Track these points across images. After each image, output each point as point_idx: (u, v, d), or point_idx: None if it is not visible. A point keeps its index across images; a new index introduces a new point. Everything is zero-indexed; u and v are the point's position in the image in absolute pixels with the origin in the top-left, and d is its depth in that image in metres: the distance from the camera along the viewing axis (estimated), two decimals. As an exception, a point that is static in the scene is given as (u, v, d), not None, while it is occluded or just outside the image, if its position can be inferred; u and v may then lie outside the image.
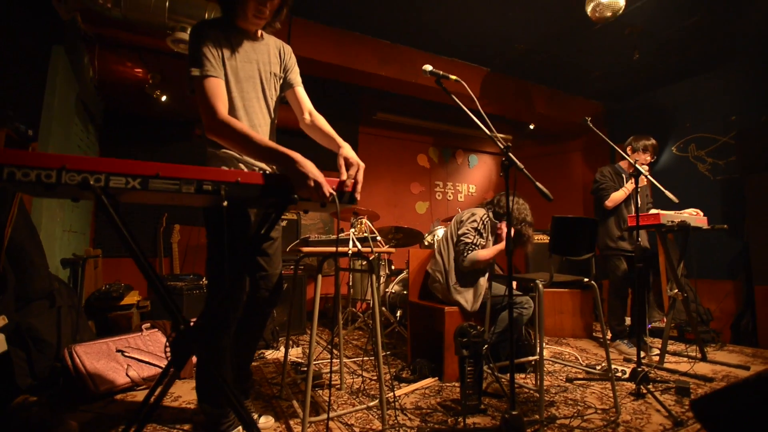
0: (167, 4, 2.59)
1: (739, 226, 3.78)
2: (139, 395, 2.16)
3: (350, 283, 4.05)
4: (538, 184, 1.61)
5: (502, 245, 2.39)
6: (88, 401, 2.04)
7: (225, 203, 1.11)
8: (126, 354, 2.28)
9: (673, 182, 4.49)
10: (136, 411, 1.93)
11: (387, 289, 3.74)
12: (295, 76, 1.67)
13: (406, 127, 5.43)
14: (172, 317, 1.08)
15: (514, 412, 1.61)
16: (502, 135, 5.97)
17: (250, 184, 1.20)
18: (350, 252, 1.74)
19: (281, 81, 1.64)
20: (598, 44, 3.80)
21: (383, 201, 5.36)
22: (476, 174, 6.12)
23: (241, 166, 1.49)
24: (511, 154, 1.68)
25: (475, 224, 2.48)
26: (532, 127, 5.47)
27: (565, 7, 3.26)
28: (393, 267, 4.15)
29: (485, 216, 2.53)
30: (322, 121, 1.64)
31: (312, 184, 1.16)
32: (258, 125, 1.53)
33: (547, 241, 3.71)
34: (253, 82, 1.51)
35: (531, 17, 3.46)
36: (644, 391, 2.16)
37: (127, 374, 2.19)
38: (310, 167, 1.18)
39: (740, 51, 3.91)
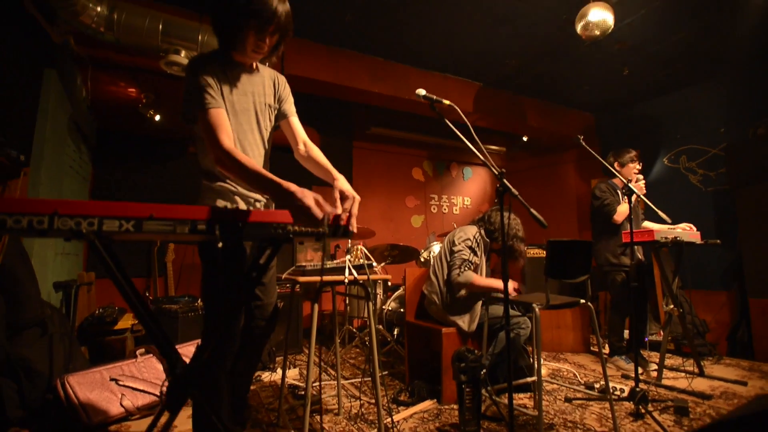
0: (160, 27, 2.59)
1: (731, 237, 3.82)
2: (134, 426, 2.12)
3: (347, 301, 4.03)
4: (532, 210, 1.62)
5: (498, 283, 2.37)
6: (81, 434, 2.00)
7: (220, 244, 1.10)
8: (120, 383, 2.24)
9: (666, 193, 4.57)
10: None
11: (384, 306, 3.72)
12: (290, 107, 1.67)
13: (401, 141, 5.46)
14: (168, 362, 1.06)
15: (513, 441, 1.61)
16: (495, 147, 6.02)
17: (246, 222, 1.20)
18: (346, 281, 1.73)
19: (276, 112, 1.64)
20: (589, 59, 3.85)
21: (378, 215, 5.37)
22: (471, 186, 6.15)
23: (237, 199, 1.49)
24: (505, 180, 1.69)
25: (468, 242, 2.49)
26: (525, 139, 5.52)
27: (554, 26, 3.32)
28: (390, 283, 4.13)
29: (477, 234, 2.54)
30: (316, 152, 1.64)
31: (310, 213, 1.14)
32: (253, 157, 1.52)
33: (543, 255, 3.72)
34: (248, 115, 1.50)
35: (521, 35, 3.50)
36: (643, 411, 2.16)
37: (121, 404, 2.15)
38: (308, 200, 1.15)
39: (727, 65, 3.98)
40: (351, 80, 3.74)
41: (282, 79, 1.67)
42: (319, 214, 1.14)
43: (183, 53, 2.64)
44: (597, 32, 2.90)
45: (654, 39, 3.49)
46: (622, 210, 3.02)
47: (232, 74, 1.47)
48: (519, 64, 4.01)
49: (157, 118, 3.49)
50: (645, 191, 3.00)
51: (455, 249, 2.48)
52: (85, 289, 2.93)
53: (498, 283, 2.36)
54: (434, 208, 5.84)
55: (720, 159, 4.14)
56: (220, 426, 1.11)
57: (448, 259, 2.54)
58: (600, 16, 2.83)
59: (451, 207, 5.98)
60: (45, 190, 2.70)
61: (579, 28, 2.93)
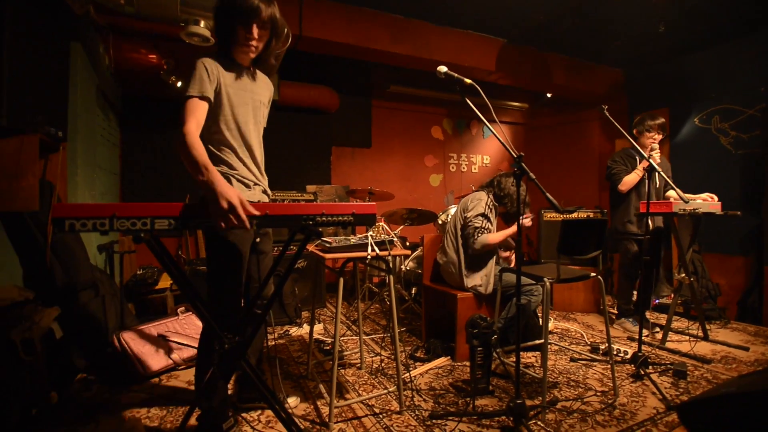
0: (179, -4, 2.57)
1: (756, 202, 3.76)
2: (182, 375, 2.42)
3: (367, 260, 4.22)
4: (548, 195, 1.67)
5: (510, 231, 2.53)
6: (138, 382, 2.30)
7: (258, 239, 1.23)
8: (167, 338, 2.52)
9: (694, 155, 4.45)
10: (182, 391, 2.18)
11: (402, 266, 3.90)
12: (265, 116, 1.82)
13: (420, 99, 5.36)
14: (218, 341, 1.23)
15: (518, 401, 1.79)
16: (517, 104, 5.85)
17: (279, 215, 1.31)
18: (369, 258, 1.86)
19: (266, 110, 1.81)
20: (621, 14, 3.62)
21: (397, 175, 5.42)
22: (491, 144, 6.07)
23: (234, 181, 1.60)
24: (523, 164, 1.73)
25: (481, 209, 2.59)
26: (549, 95, 5.34)
27: (587, -22, 3.11)
28: (408, 243, 4.29)
29: (490, 201, 2.63)
30: None
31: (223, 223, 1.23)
32: (252, 146, 1.68)
33: (559, 218, 3.77)
34: (247, 108, 1.66)
35: (551, -12, 3.30)
36: (643, 373, 2.32)
37: (169, 357, 2.44)
38: (225, 198, 1.22)
39: (774, 17, 3.68)
40: (370, 41, 3.65)
41: (272, 87, 1.84)
42: (243, 216, 1.22)
43: (202, 23, 2.63)
44: (631, -11, 2.71)
45: (695, -9, 3.24)
46: (629, 180, 3.08)
47: (233, 72, 1.61)
48: (546, 20, 3.81)
49: (179, 84, 3.52)
50: (658, 161, 2.98)
51: (468, 215, 2.59)
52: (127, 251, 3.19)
53: (511, 230, 2.55)
54: (453, 167, 5.83)
55: (756, 121, 3.96)
56: (266, 392, 1.30)
57: (462, 230, 2.64)
58: (636, -28, 2.64)
59: (470, 166, 5.96)
60: (82, 161, 2.86)
61: (612, -16, 2.74)
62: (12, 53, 2.02)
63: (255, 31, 1.55)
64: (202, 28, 2.63)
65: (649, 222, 2.50)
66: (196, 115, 1.46)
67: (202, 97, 1.48)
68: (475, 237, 2.55)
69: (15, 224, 2.26)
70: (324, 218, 1.32)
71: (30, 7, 2.50)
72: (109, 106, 3.56)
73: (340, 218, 1.33)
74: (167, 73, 3.46)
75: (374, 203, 1.40)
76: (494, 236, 2.56)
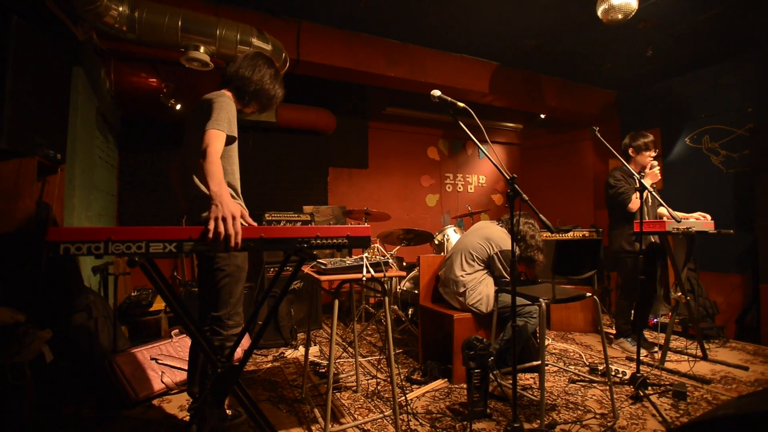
0: (180, 23, 2.64)
1: (749, 220, 3.80)
2: (174, 399, 2.37)
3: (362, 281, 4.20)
4: (541, 216, 1.70)
5: None
6: (129, 407, 2.25)
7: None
8: (159, 361, 2.48)
9: (685, 174, 4.52)
10: (174, 416, 2.13)
11: (398, 287, 3.88)
12: None
13: (416, 120, 5.45)
14: (212, 365, 1.22)
15: (516, 425, 1.77)
16: (511, 124, 5.95)
17: (274, 238, 1.32)
18: (364, 279, 1.86)
19: None
20: (611, 38, 3.73)
21: (394, 195, 5.45)
22: (486, 164, 6.14)
23: None
24: (516, 186, 1.75)
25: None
26: (543, 116, 5.44)
27: (576, 4, 3.21)
28: (404, 263, 4.28)
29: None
30: None
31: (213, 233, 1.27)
32: (238, 169, 1.87)
33: (554, 238, 3.78)
34: (237, 141, 1.82)
35: (541, 15, 3.41)
36: (642, 394, 2.29)
37: (162, 381, 2.40)
38: (229, 209, 1.30)
39: (758, 42, 3.81)
40: (367, 65, 3.73)
41: None
42: (220, 229, 1.26)
43: (202, 49, 2.70)
44: (619, 16, 2.82)
45: (682, 17, 3.35)
46: (637, 199, 3.02)
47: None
48: (538, 44, 3.92)
49: (178, 107, 3.58)
50: (660, 177, 2.99)
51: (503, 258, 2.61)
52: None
53: None
54: (449, 187, 5.88)
55: (745, 140, 4.04)
56: (258, 417, 1.28)
57: (482, 256, 2.65)
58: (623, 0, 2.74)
59: (466, 185, 6.01)
60: (79, 182, 2.88)
61: (600, 11, 2.85)
62: (15, 78, 2.06)
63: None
64: (202, 53, 2.69)
65: (645, 240, 2.52)
66: (220, 144, 1.62)
67: (230, 137, 1.67)
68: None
69: (10, 245, 2.26)
70: (319, 241, 1.33)
71: (34, 32, 2.56)
72: (108, 128, 3.60)
73: (335, 241, 1.34)
74: (167, 96, 3.52)
75: (369, 226, 1.41)
76: None
